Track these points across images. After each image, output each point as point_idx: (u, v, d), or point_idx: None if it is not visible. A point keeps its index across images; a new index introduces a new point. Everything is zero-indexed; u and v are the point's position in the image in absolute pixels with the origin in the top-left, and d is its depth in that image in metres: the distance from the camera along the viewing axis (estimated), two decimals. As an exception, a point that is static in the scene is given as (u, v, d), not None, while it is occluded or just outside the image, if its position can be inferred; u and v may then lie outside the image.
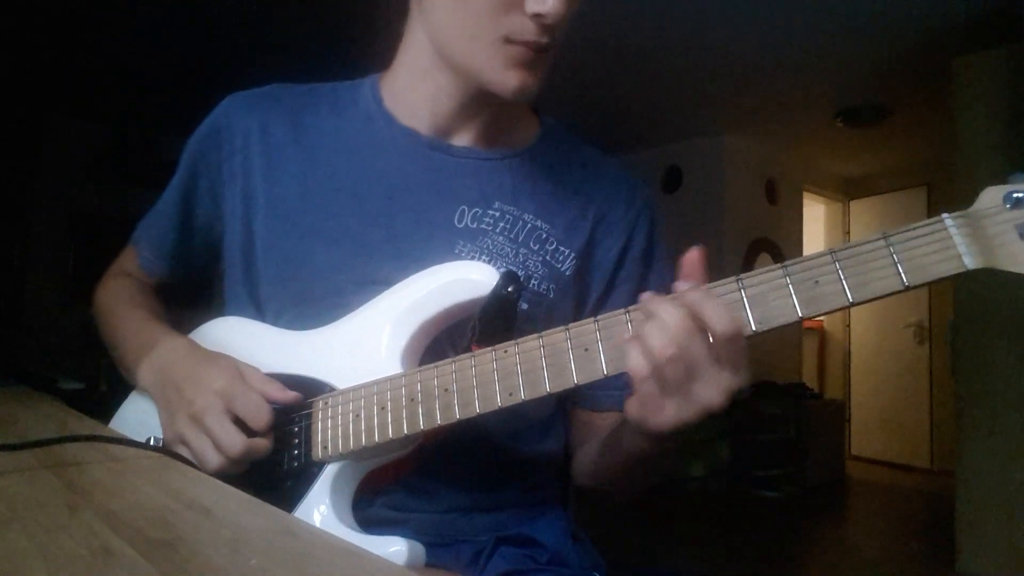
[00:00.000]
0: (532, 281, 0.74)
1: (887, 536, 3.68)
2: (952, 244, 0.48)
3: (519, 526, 0.73)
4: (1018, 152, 2.74)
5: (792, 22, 3.09)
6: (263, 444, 0.64)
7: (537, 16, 0.62)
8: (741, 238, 4.76)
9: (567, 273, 0.75)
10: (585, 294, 0.78)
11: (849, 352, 5.71)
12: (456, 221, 0.73)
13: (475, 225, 0.73)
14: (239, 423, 0.63)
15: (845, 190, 5.80)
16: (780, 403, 4.41)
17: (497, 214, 0.74)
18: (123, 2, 3.04)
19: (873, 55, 3.39)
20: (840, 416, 5.04)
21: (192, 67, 3.72)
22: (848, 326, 5.71)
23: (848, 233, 5.76)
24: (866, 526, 3.91)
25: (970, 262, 0.48)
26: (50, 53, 3.60)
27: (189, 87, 3.88)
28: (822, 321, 5.88)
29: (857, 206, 5.73)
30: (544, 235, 0.75)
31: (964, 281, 2.99)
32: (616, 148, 4.88)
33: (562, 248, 0.76)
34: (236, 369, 0.67)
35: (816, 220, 5.82)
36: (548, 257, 0.75)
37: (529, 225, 0.75)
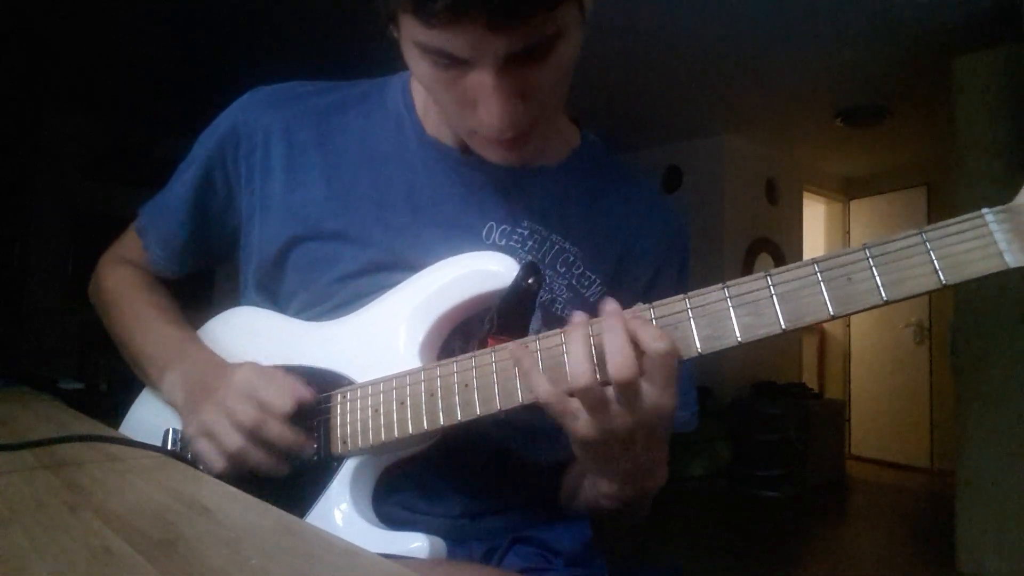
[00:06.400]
0: (556, 305, 0.72)
1: (887, 536, 3.68)
2: (993, 240, 0.45)
3: (534, 529, 0.73)
4: (1018, 152, 2.74)
5: (792, 22, 3.09)
6: (275, 426, 0.63)
7: (488, 123, 0.59)
8: (741, 238, 4.76)
9: (591, 300, 0.73)
10: None
11: (849, 352, 5.71)
12: (484, 237, 0.71)
13: (503, 242, 0.71)
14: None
15: (845, 190, 5.80)
16: (780, 403, 4.41)
17: (526, 232, 0.72)
18: (123, 2, 3.04)
19: (873, 55, 3.39)
20: (840, 416, 5.03)
21: (192, 67, 3.72)
22: (848, 326, 5.71)
23: (848, 233, 5.76)
24: (866, 526, 3.91)
25: (1012, 260, 0.45)
26: (50, 52, 3.60)
27: (189, 87, 3.89)
28: (822, 321, 5.87)
29: (857, 206, 5.73)
30: (572, 258, 0.73)
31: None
32: (616, 148, 4.87)
33: (589, 273, 0.74)
34: (260, 365, 0.68)
35: (816, 220, 5.82)
36: (574, 281, 0.73)
37: (557, 247, 0.73)
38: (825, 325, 5.85)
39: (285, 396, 0.63)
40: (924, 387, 5.16)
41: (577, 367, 0.52)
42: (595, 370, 0.52)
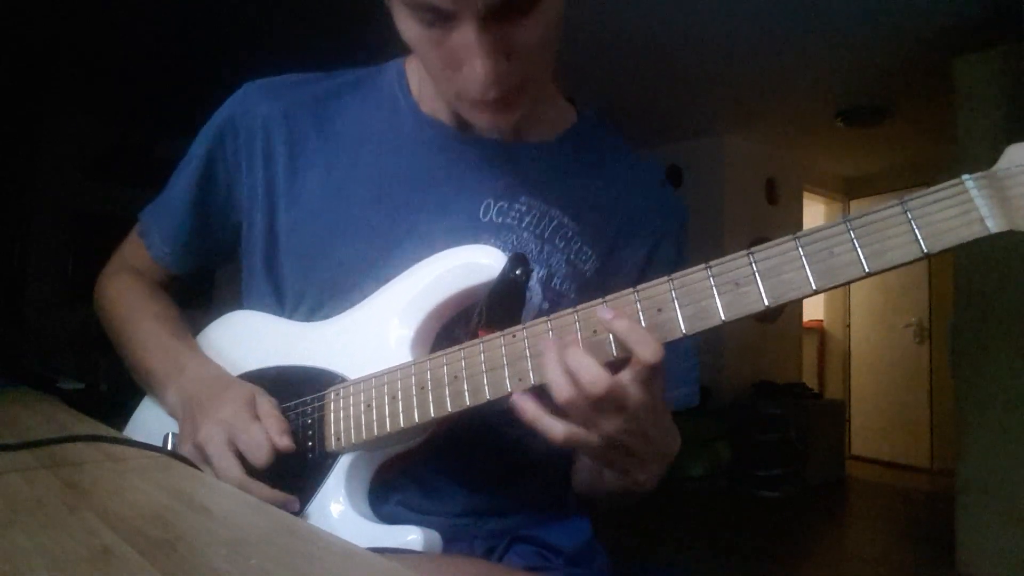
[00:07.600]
0: (554, 280, 0.72)
1: (887, 536, 3.68)
2: (974, 207, 0.45)
3: (534, 528, 0.73)
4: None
5: (793, 22, 3.08)
6: (259, 488, 0.61)
7: (473, 82, 0.59)
8: (741, 238, 4.76)
9: (588, 274, 0.73)
10: None
11: (849, 352, 5.71)
12: (481, 215, 0.71)
13: (500, 220, 0.71)
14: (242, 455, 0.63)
15: (845, 190, 5.80)
16: (780, 403, 4.41)
17: (524, 208, 0.72)
18: (123, 2, 3.04)
19: (873, 55, 3.39)
20: (840, 416, 5.03)
21: (192, 67, 3.72)
22: (848, 326, 5.71)
23: (848, 233, 5.76)
24: (866, 526, 3.91)
25: (993, 225, 0.44)
26: (50, 52, 3.60)
27: (188, 87, 3.88)
28: (822, 321, 5.88)
29: (857, 206, 5.73)
30: (570, 232, 0.73)
31: (964, 280, 2.99)
32: (616, 148, 4.87)
33: (585, 248, 0.74)
34: (249, 399, 0.66)
35: (816, 220, 5.82)
36: (572, 256, 0.73)
37: (556, 221, 0.73)
38: (825, 325, 5.84)
39: (261, 448, 0.62)
40: (924, 387, 5.16)
41: (557, 386, 0.53)
42: (574, 386, 0.53)
